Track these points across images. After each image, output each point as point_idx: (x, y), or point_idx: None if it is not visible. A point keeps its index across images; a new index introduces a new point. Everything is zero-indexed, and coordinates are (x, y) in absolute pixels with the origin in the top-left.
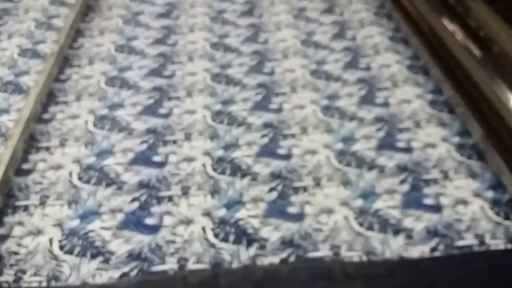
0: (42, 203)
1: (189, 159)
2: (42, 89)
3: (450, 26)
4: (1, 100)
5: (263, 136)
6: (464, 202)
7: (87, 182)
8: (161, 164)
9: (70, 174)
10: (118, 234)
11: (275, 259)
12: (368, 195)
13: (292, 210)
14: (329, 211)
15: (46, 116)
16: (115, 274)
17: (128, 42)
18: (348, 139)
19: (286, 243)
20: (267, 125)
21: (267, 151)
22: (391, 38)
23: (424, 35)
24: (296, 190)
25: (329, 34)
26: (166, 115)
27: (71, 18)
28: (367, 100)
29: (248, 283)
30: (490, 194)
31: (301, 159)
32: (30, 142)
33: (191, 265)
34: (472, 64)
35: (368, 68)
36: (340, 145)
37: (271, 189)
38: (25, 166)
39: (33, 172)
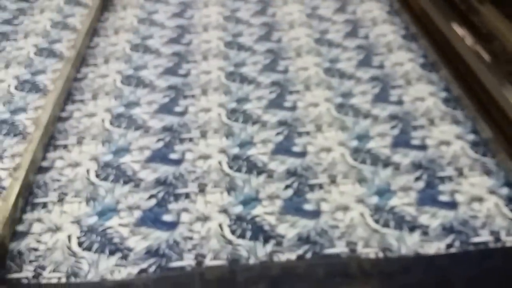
0: (61, 200)
1: (205, 157)
2: (60, 93)
3: (459, 29)
4: (19, 98)
5: (278, 134)
6: (479, 199)
7: (105, 179)
8: (177, 162)
9: (88, 171)
10: (136, 230)
11: (292, 256)
12: (384, 192)
13: (308, 207)
14: (345, 208)
15: (63, 114)
16: (134, 270)
17: (143, 41)
18: (363, 137)
19: (303, 239)
20: (281, 123)
21: (282, 149)
22: (404, 36)
23: (432, 36)
24: (311, 187)
25: (342, 33)
26: (182, 113)
27: (89, 20)
28: (381, 98)
29: (265, 279)
30: (505, 191)
31: (316, 156)
32: (49, 141)
33: (208, 262)
34: (481, 67)
35: (381, 66)
36: (354, 143)
37: (287, 186)
38: (44, 164)
39: (51, 169)
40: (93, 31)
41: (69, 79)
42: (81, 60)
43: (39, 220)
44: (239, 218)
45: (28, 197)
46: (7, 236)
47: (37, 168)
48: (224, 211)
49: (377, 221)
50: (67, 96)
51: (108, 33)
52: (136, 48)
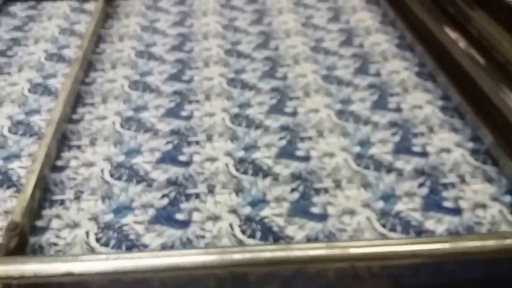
0: (77, 198)
1: (212, 159)
2: (70, 92)
3: (453, 34)
4: (32, 101)
5: (281, 138)
6: (483, 206)
7: (119, 179)
8: (186, 164)
9: (102, 171)
10: (150, 228)
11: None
12: (389, 197)
13: (315, 210)
14: (352, 212)
15: (75, 116)
16: None
17: (147, 48)
18: (364, 143)
19: (312, 242)
20: (283, 128)
21: (286, 153)
22: (398, 45)
23: (428, 43)
24: (317, 191)
25: (337, 41)
26: (188, 118)
27: (94, 27)
28: (379, 105)
29: (277, 279)
30: (507, 198)
31: (320, 161)
32: (63, 141)
33: None
34: (478, 72)
35: (378, 74)
36: (357, 149)
37: (293, 190)
38: (59, 163)
39: (67, 168)
40: (99, 38)
41: (77, 79)
42: (89, 64)
43: (57, 216)
44: (248, 219)
45: (46, 193)
46: (26, 225)
47: (52, 162)
48: (233, 211)
49: (384, 226)
50: (78, 99)
51: (114, 39)
52: (141, 55)
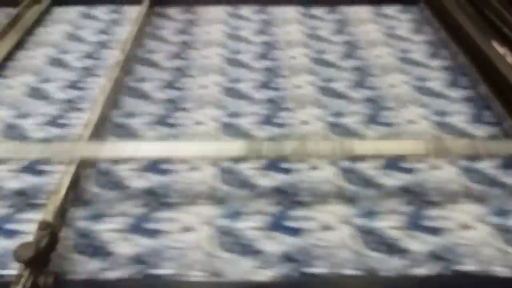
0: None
1: (315, 168)
2: (109, 94)
3: (500, 49)
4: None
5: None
6: None
7: (226, 183)
8: (289, 171)
9: (209, 176)
10: (267, 235)
11: (425, 270)
12: (504, 212)
13: (430, 223)
14: (468, 227)
15: (171, 121)
16: (270, 273)
17: (233, 55)
18: (471, 157)
19: (432, 255)
20: (381, 138)
21: (391, 164)
22: None
23: (481, 69)
24: (431, 204)
25: (424, 52)
26: (282, 125)
27: (134, 30)
28: (476, 118)
29: None
30: None
31: (428, 174)
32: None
33: (341, 270)
34: None
35: (472, 87)
36: (463, 162)
37: (406, 202)
38: (164, 167)
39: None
40: (184, 43)
41: (116, 82)
42: (178, 69)
43: (170, 219)
44: (362, 230)
45: (150, 194)
46: (57, 225)
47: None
48: (345, 221)
49: (508, 242)
50: (173, 104)
51: (198, 46)
52: (228, 62)
